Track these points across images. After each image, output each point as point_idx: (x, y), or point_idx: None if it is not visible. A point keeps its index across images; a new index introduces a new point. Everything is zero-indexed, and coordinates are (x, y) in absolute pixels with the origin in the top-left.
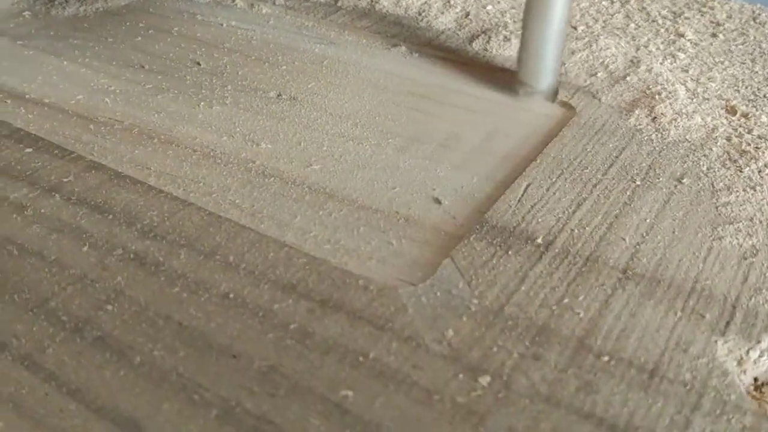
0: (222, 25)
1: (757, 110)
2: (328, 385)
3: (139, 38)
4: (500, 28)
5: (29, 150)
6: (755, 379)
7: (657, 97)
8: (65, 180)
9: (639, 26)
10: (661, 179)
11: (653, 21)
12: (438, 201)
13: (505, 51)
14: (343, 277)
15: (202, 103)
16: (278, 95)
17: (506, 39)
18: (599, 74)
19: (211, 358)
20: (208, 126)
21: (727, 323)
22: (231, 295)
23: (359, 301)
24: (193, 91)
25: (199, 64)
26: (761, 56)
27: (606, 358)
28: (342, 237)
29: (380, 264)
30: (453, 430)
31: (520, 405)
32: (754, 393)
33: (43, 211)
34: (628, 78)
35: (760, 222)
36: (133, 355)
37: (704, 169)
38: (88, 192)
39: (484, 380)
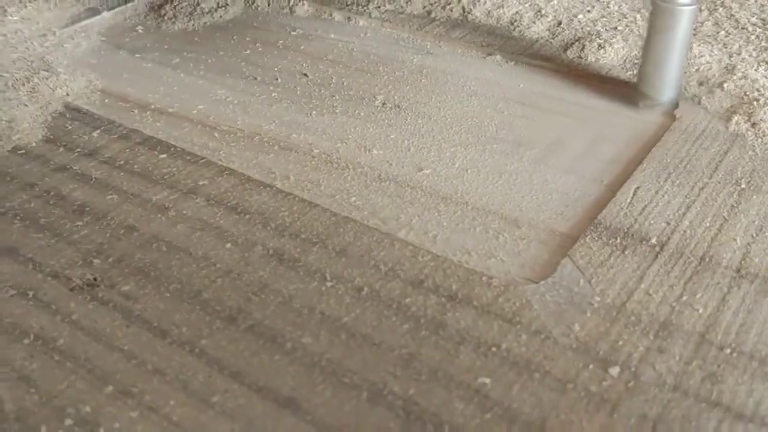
0: (322, 38)
1: None
2: (466, 373)
3: (248, 51)
4: (593, 37)
5: (163, 156)
6: None
7: (755, 103)
8: (200, 183)
9: (729, 33)
10: (766, 183)
11: (743, 28)
12: (548, 202)
13: (600, 59)
14: (467, 275)
15: (313, 112)
16: (383, 104)
17: (600, 47)
18: (696, 81)
19: (355, 345)
20: (322, 133)
21: None
22: (365, 289)
23: (485, 297)
24: (304, 101)
25: (306, 75)
26: None
27: (728, 351)
28: (460, 237)
29: (500, 263)
30: (589, 416)
31: (650, 394)
32: None
33: (184, 212)
34: (724, 85)
35: None
36: (284, 342)
37: None
38: (223, 194)
39: (614, 371)
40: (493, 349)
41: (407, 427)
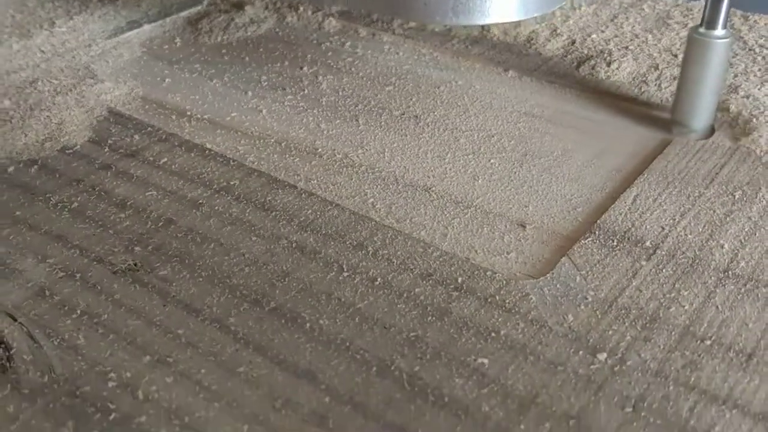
0: (348, 52)
1: None
2: (466, 354)
3: (278, 64)
4: (605, 55)
5: (199, 158)
6: None
7: (755, 120)
8: (231, 183)
9: (736, 54)
10: (758, 194)
11: (750, 50)
12: (552, 207)
13: (611, 76)
14: (472, 269)
15: (337, 120)
16: (402, 114)
17: (611, 64)
18: None
19: (367, 327)
20: (345, 140)
21: None
22: (378, 280)
23: (488, 289)
24: (329, 110)
25: (330, 87)
26: None
27: (708, 342)
28: (468, 236)
29: (503, 260)
30: (576, 394)
31: (633, 377)
32: None
33: (216, 208)
34: (727, 101)
35: None
36: (304, 322)
37: None
38: (251, 193)
39: (601, 356)
40: (493, 334)
41: (411, 397)
